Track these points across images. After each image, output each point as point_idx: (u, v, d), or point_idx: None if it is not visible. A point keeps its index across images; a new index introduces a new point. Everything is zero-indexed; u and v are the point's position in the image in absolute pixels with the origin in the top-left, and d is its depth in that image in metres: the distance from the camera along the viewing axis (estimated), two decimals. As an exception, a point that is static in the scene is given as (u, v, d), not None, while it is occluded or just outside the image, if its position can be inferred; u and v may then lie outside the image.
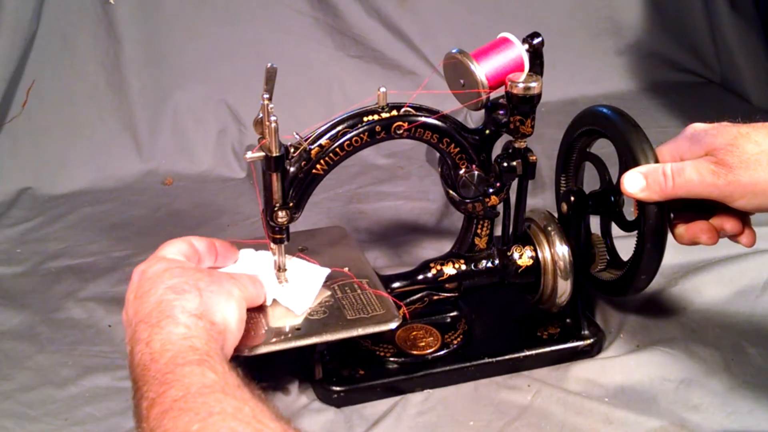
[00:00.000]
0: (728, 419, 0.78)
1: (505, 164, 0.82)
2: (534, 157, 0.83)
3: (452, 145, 0.81)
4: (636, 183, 0.75)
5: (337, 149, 0.77)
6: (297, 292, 0.79)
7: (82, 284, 1.02)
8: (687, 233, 0.78)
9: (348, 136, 0.77)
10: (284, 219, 0.75)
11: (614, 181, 0.86)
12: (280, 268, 0.78)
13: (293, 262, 0.81)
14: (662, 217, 0.77)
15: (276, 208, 0.74)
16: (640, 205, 0.78)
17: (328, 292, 0.81)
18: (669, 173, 0.73)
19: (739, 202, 0.70)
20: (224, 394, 0.54)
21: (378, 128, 0.77)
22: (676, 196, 0.73)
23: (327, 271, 0.82)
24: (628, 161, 0.79)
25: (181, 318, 0.62)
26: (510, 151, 0.83)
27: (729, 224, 0.76)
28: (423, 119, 0.78)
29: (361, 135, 0.77)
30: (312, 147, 0.76)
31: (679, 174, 0.72)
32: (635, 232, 0.80)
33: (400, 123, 0.78)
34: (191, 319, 0.62)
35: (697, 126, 0.74)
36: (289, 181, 0.76)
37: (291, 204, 0.76)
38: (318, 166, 0.77)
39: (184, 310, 0.63)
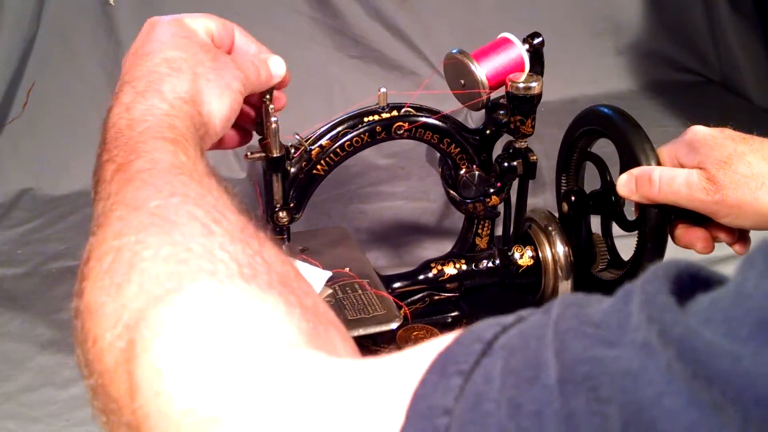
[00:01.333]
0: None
1: (506, 164, 0.83)
2: (534, 157, 0.83)
3: (453, 146, 0.81)
4: (626, 185, 0.76)
5: (338, 150, 0.77)
6: None
7: (83, 285, 1.02)
8: (684, 237, 0.78)
9: (348, 136, 0.77)
10: (285, 219, 0.75)
11: (615, 181, 0.86)
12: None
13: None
14: (663, 218, 0.77)
15: (277, 209, 0.75)
16: (641, 205, 0.78)
17: (329, 292, 0.81)
18: (657, 180, 0.73)
19: (724, 219, 0.71)
20: (190, 179, 0.51)
21: (378, 128, 0.77)
22: (664, 202, 0.74)
23: (328, 273, 0.82)
24: (629, 161, 0.79)
25: (168, 96, 0.59)
26: (510, 151, 0.84)
27: (722, 235, 0.76)
28: (423, 119, 0.78)
29: (362, 135, 0.77)
30: (312, 147, 0.76)
31: (669, 183, 0.73)
32: (636, 232, 0.80)
33: (401, 123, 0.78)
34: (177, 101, 0.59)
35: (699, 131, 0.74)
36: (290, 181, 0.76)
37: (292, 204, 0.76)
38: (318, 167, 0.77)
39: (173, 90, 0.60)
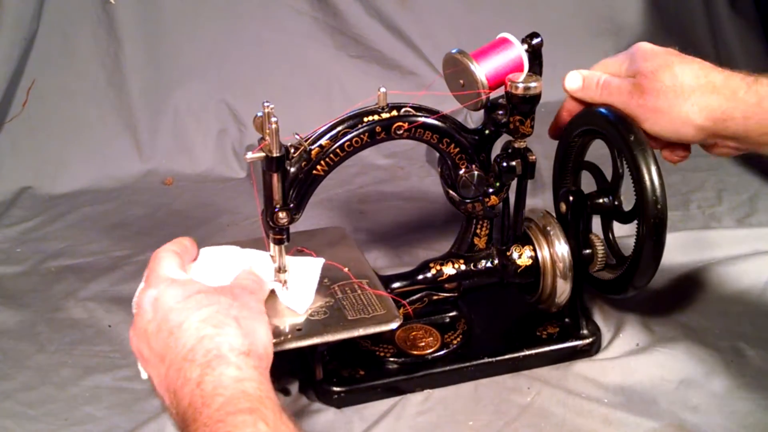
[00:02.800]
0: (727, 420, 0.78)
1: (505, 164, 0.83)
2: (533, 157, 0.83)
3: (452, 146, 0.81)
4: (575, 82, 0.84)
5: (338, 150, 0.77)
6: (296, 291, 0.79)
7: (82, 284, 1.02)
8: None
9: (348, 136, 0.77)
10: (285, 220, 0.75)
11: (614, 180, 0.86)
12: (281, 269, 0.78)
13: (287, 261, 0.81)
14: (662, 219, 0.77)
15: (276, 209, 0.74)
16: (640, 204, 0.78)
17: (329, 293, 0.81)
18: (600, 83, 0.82)
19: (645, 124, 0.78)
20: None
21: (378, 129, 0.77)
22: (600, 101, 0.82)
23: (321, 261, 0.81)
24: (627, 162, 0.79)
25: (231, 357, 0.59)
26: (509, 151, 0.84)
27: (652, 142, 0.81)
28: (423, 119, 0.78)
29: (362, 135, 0.77)
30: (312, 147, 0.76)
31: (606, 87, 0.81)
32: (635, 232, 0.81)
33: (400, 123, 0.78)
34: (240, 358, 0.60)
35: (641, 45, 0.80)
36: (290, 181, 0.76)
37: (291, 205, 0.76)
38: (318, 167, 0.77)
39: (232, 348, 0.60)
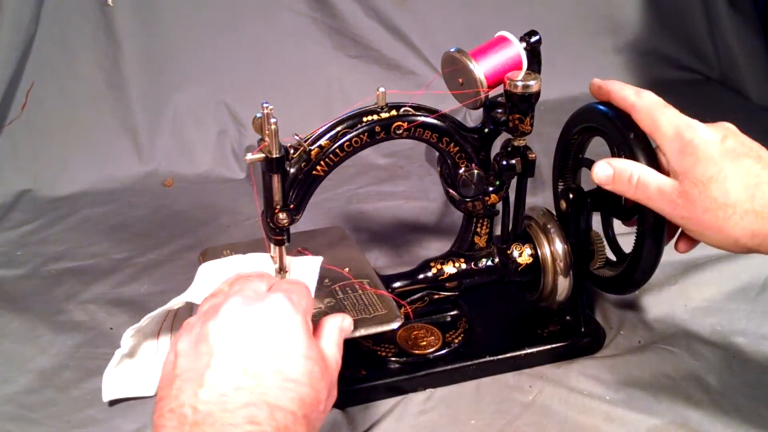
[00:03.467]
0: (728, 417, 0.78)
1: (504, 162, 0.83)
2: (533, 155, 0.83)
3: (452, 145, 0.81)
4: (604, 173, 0.76)
5: (337, 150, 0.77)
6: None
7: (83, 286, 1.02)
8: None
9: (348, 136, 0.77)
10: (285, 221, 0.75)
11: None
12: (282, 270, 0.78)
13: (286, 261, 0.81)
14: (662, 217, 0.77)
15: (276, 210, 0.74)
16: (639, 204, 0.78)
17: (330, 293, 0.81)
18: (634, 182, 0.74)
19: (689, 234, 0.73)
20: None
21: (378, 128, 0.77)
22: (635, 200, 0.75)
23: (320, 259, 0.81)
24: (626, 157, 0.79)
25: (301, 420, 0.56)
26: (509, 149, 0.84)
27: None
28: (422, 119, 0.78)
29: (361, 135, 0.77)
30: (312, 148, 0.76)
31: (644, 189, 0.73)
32: (634, 229, 0.80)
33: (400, 123, 0.78)
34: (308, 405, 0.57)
35: (697, 133, 0.71)
36: (290, 182, 0.76)
37: (291, 206, 0.76)
38: (318, 168, 0.77)
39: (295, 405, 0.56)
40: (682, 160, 0.70)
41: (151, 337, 0.82)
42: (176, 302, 0.77)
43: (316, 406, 0.58)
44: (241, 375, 0.56)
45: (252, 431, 0.53)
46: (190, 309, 0.79)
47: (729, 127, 0.72)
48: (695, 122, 0.72)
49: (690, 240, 0.78)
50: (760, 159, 0.69)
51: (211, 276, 0.78)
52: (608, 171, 0.75)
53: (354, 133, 0.77)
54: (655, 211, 0.73)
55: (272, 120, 0.69)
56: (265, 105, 0.69)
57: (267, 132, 0.70)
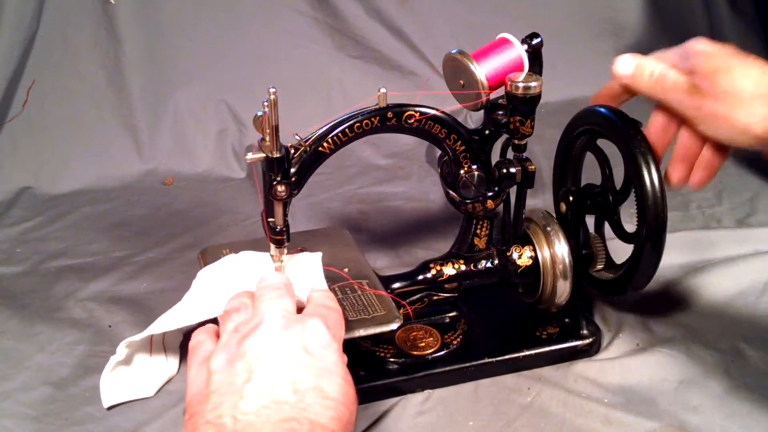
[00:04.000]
0: (727, 421, 0.78)
1: (504, 171, 0.82)
2: (533, 167, 0.83)
3: (458, 143, 0.81)
4: (626, 67, 0.78)
5: (347, 130, 0.76)
6: (303, 287, 0.79)
7: (82, 284, 1.02)
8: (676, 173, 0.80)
9: (359, 117, 0.76)
10: (283, 193, 0.74)
11: (615, 182, 0.86)
12: (281, 270, 0.78)
13: (285, 258, 0.81)
14: (662, 218, 0.77)
15: (275, 183, 0.73)
16: (639, 206, 0.78)
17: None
18: (655, 75, 0.76)
19: (701, 127, 0.74)
20: None
21: (390, 114, 0.77)
22: (653, 96, 0.77)
23: (319, 254, 0.81)
24: (627, 160, 0.79)
25: None
26: (509, 152, 0.84)
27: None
28: (434, 112, 0.78)
29: (372, 119, 0.76)
30: (312, 148, 0.76)
31: (661, 80, 0.75)
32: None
33: (412, 112, 0.77)
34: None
35: (698, 41, 0.75)
36: (290, 176, 0.75)
37: (293, 179, 0.74)
38: (325, 144, 0.75)
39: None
40: (688, 60, 0.74)
41: (144, 344, 0.83)
42: (174, 324, 0.77)
43: (349, 428, 0.58)
44: (283, 390, 0.56)
45: None
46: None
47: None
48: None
49: (705, 169, 0.78)
50: (757, 59, 0.73)
51: (209, 287, 0.78)
52: (630, 64, 0.77)
53: (366, 115, 0.76)
54: (669, 105, 0.76)
55: (271, 90, 0.68)
56: (265, 103, 0.69)
57: (268, 131, 0.70)
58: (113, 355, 0.81)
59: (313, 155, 0.75)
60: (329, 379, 0.58)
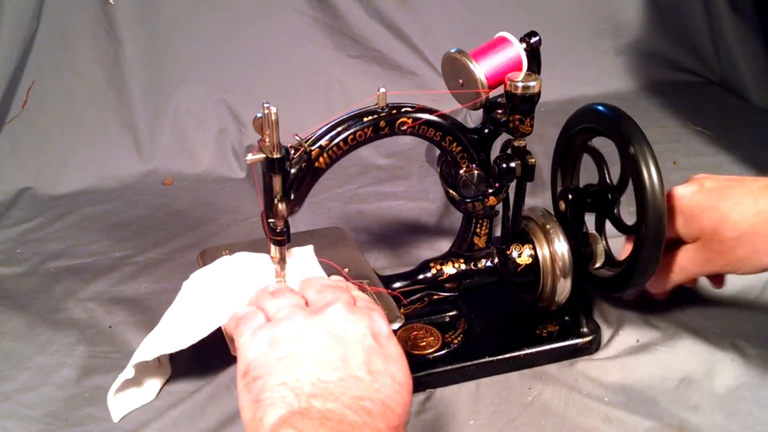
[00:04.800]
0: (727, 420, 0.78)
1: (504, 165, 0.82)
2: (533, 160, 0.83)
3: (455, 144, 0.81)
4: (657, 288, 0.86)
5: (341, 143, 0.76)
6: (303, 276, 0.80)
7: (82, 284, 1.02)
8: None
9: (352, 129, 0.76)
10: (284, 212, 0.74)
11: (612, 179, 0.86)
12: (282, 270, 0.78)
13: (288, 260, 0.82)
14: (661, 217, 0.77)
15: (276, 201, 0.74)
16: (639, 203, 0.78)
17: None
18: (678, 274, 0.82)
19: (742, 272, 0.78)
20: None
21: (382, 123, 0.77)
22: (680, 284, 0.84)
23: (310, 247, 0.81)
24: (627, 161, 0.79)
25: None
26: (508, 151, 0.84)
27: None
28: (427, 116, 0.78)
29: (366, 129, 0.77)
30: (312, 148, 0.76)
31: (683, 268, 0.82)
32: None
33: (405, 120, 0.78)
34: None
35: (683, 199, 0.80)
36: (290, 181, 0.75)
37: (292, 197, 0.75)
38: (321, 160, 0.76)
39: None
40: (689, 226, 0.79)
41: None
42: (185, 342, 0.77)
43: (408, 417, 0.58)
44: (358, 368, 0.57)
45: (366, 422, 0.53)
46: None
47: (702, 176, 0.81)
48: (674, 188, 0.81)
49: (720, 277, 0.85)
50: (741, 182, 0.76)
51: (208, 292, 0.78)
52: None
53: (358, 127, 0.76)
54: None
55: (273, 110, 0.68)
56: (265, 105, 0.69)
57: (267, 132, 0.70)
58: (121, 373, 0.80)
59: (310, 171, 0.76)
60: (397, 366, 0.59)
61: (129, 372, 0.79)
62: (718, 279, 0.86)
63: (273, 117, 0.69)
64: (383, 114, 0.77)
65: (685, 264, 0.81)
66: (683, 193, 0.80)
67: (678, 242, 0.82)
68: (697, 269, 0.80)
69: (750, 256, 0.75)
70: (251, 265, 0.81)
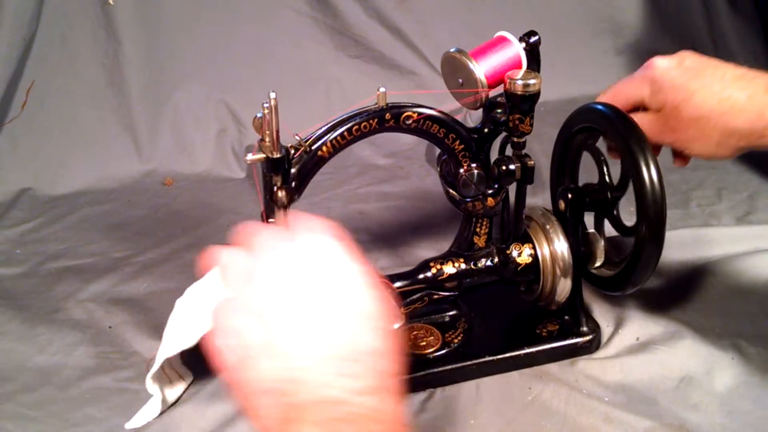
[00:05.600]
0: (727, 419, 0.78)
1: (504, 167, 0.82)
2: (532, 162, 0.83)
3: (457, 142, 0.81)
4: None
5: (345, 133, 0.76)
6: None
7: (82, 285, 1.02)
8: None
9: (357, 120, 0.76)
10: (283, 198, 0.74)
11: (612, 179, 0.86)
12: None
13: None
14: (661, 213, 0.77)
15: (276, 188, 0.73)
16: (639, 201, 0.78)
17: None
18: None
19: (685, 151, 0.80)
20: None
21: (388, 116, 0.77)
22: None
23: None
24: (626, 160, 0.79)
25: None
26: (508, 151, 0.84)
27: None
28: (431, 112, 0.78)
29: (371, 121, 0.76)
30: (313, 147, 0.76)
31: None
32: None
33: (410, 113, 0.77)
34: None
35: (657, 69, 0.80)
36: (290, 181, 0.75)
37: (293, 184, 0.75)
38: (324, 148, 0.76)
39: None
40: (654, 97, 0.79)
41: (161, 375, 0.82)
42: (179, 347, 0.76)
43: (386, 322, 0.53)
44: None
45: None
46: None
47: (686, 52, 0.81)
48: (654, 58, 0.81)
49: (683, 156, 0.84)
50: (718, 66, 0.78)
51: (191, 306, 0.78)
52: None
53: (363, 118, 0.76)
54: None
55: (272, 96, 0.68)
56: (265, 105, 0.69)
57: (267, 132, 0.70)
58: (149, 400, 0.80)
59: (312, 160, 0.75)
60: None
61: (154, 390, 0.79)
62: (682, 158, 0.85)
63: (272, 102, 0.68)
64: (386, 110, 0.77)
65: (642, 126, 0.80)
66: (660, 64, 0.80)
67: (641, 109, 0.83)
68: (649, 135, 0.80)
69: (698, 138, 0.76)
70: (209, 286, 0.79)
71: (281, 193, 0.73)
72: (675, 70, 0.78)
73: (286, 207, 0.74)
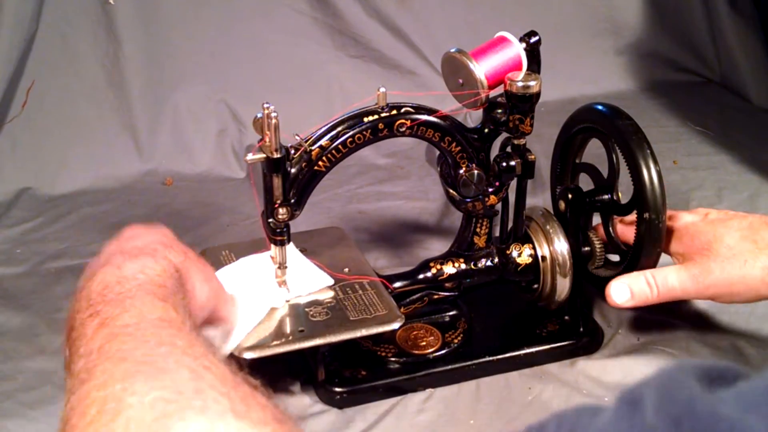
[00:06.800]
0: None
1: (504, 164, 0.83)
2: (532, 157, 0.83)
3: (453, 144, 0.81)
4: (623, 295, 0.80)
5: (340, 146, 0.76)
6: (304, 275, 0.80)
7: (83, 284, 1.02)
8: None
9: (350, 132, 0.76)
10: (285, 216, 0.74)
11: (611, 178, 0.86)
12: (281, 266, 0.78)
13: (295, 256, 0.81)
14: (660, 215, 0.77)
15: (277, 205, 0.74)
16: (639, 201, 0.78)
17: (330, 294, 0.81)
18: (653, 282, 0.78)
19: (721, 301, 0.79)
20: (178, 331, 0.51)
21: (381, 125, 0.77)
22: (663, 301, 0.79)
23: (330, 281, 0.82)
24: (626, 160, 0.79)
25: (161, 260, 0.60)
26: (508, 149, 0.84)
27: None
28: (425, 117, 0.78)
29: (364, 132, 0.77)
30: (312, 148, 0.76)
31: (665, 284, 0.78)
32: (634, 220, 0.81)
33: (403, 121, 0.78)
34: (170, 267, 0.60)
35: (683, 220, 0.80)
36: (290, 182, 0.75)
37: (292, 201, 0.75)
38: (320, 163, 0.76)
39: (166, 257, 0.60)
40: (680, 243, 0.78)
41: None
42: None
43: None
44: None
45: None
46: None
47: (707, 209, 0.81)
48: (676, 212, 0.81)
49: None
50: (745, 216, 0.77)
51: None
52: (625, 290, 0.80)
53: (357, 130, 0.77)
54: (685, 299, 0.82)
55: (273, 115, 0.69)
56: (266, 105, 0.69)
57: (267, 133, 0.70)
58: None
59: (310, 175, 0.76)
60: None
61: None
62: None
63: (273, 121, 0.69)
64: (383, 115, 0.77)
65: (675, 283, 0.78)
66: (685, 218, 0.80)
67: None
68: (683, 289, 0.78)
69: (744, 275, 0.74)
70: (255, 267, 0.81)
71: (282, 210, 0.74)
72: (700, 222, 0.79)
73: (287, 226, 0.75)
